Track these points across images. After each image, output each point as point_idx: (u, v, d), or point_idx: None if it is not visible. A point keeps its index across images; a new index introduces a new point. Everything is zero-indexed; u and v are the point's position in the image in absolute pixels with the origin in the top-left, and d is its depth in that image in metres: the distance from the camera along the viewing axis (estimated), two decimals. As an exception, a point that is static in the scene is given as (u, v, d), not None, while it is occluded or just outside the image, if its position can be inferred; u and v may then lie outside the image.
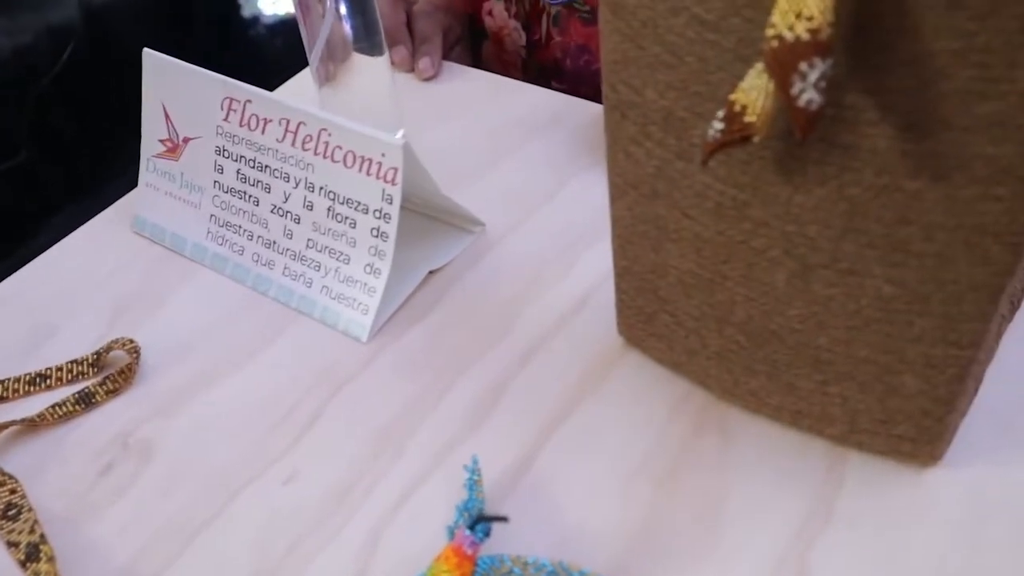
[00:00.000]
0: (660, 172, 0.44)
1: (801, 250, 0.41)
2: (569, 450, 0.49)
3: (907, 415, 0.44)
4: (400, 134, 0.70)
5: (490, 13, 0.90)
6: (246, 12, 1.64)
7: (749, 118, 0.36)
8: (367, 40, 0.64)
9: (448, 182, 0.67)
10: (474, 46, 0.87)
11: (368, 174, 0.54)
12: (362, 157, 0.54)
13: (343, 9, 0.61)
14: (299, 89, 0.77)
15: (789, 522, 0.46)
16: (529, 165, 0.68)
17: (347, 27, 0.62)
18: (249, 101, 0.58)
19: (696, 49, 0.40)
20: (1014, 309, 0.50)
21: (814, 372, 0.45)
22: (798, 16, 0.33)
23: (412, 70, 0.77)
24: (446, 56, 0.80)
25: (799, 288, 0.43)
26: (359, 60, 0.65)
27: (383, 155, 0.54)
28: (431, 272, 0.60)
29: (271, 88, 0.77)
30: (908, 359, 0.42)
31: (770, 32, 0.34)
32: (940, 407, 0.43)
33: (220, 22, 1.56)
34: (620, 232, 0.49)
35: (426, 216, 0.63)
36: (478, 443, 0.50)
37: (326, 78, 0.65)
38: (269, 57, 1.59)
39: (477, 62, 0.94)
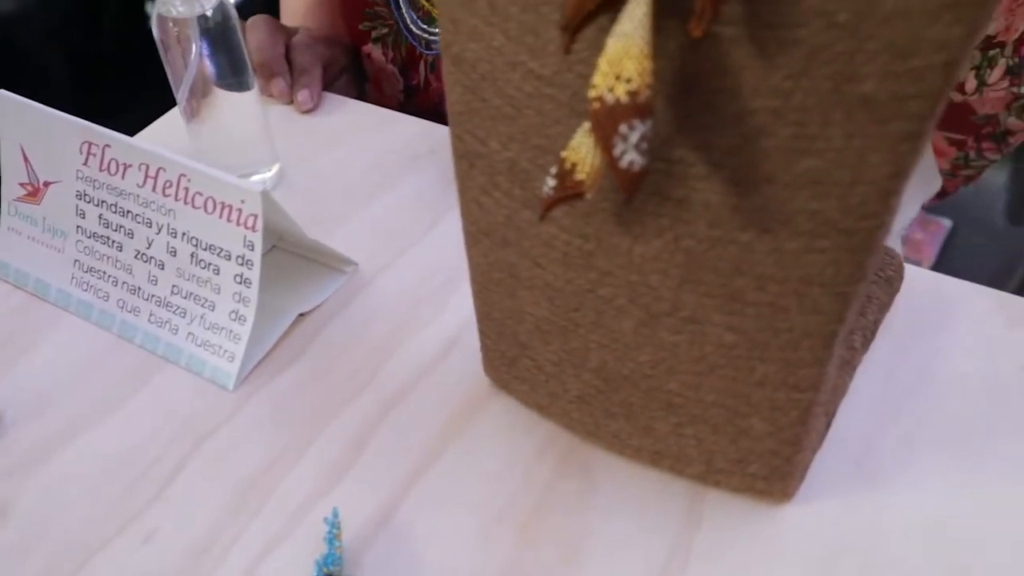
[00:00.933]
0: (509, 221, 0.44)
1: (645, 299, 0.42)
2: (433, 497, 0.49)
3: (758, 455, 0.45)
4: (275, 169, 0.69)
5: (369, 56, 0.90)
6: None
7: (579, 176, 0.36)
8: (234, 77, 0.63)
9: (323, 217, 0.67)
10: (360, 82, 0.87)
11: (229, 220, 0.54)
12: (222, 203, 0.54)
13: (205, 48, 0.60)
14: (175, 122, 0.76)
15: (651, 561, 0.46)
16: (405, 200, 0.67)
17: (209, 65, 0.61)
18: (108, 146, 0.56)
19: (534, 103, 0.40)
20: (867, 343, 0.52)
21: (668, 415, 0.46)
22: (618, 78, 0.33)
23: (292, 102, 0.76)
24: (329, 88, 0.80)
25: (646, 335, 0.43)
26: (225, 96, 0.64)
27: (242, 201, 0.53)
28: (302, 314, 0.59)
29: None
30: (753, 402, 0.43)
31: (592, 93, 0.34)
32: (787, 447, 0.44)
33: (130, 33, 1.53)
34: (477, 278, 0.49)
35: (299, 256, 0.62)
36: (342, 494, 0.50)
37: (192, 115, 0.64)
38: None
39: (363, 95, 0.93)
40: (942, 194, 0.91)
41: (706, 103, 0.36)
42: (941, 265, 1.27)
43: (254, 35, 0.74)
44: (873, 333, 0.53)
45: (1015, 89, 0.70)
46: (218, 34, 0.60)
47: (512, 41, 0.39)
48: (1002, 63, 0.68)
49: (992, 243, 1.30)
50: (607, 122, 0.34)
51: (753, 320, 0.40)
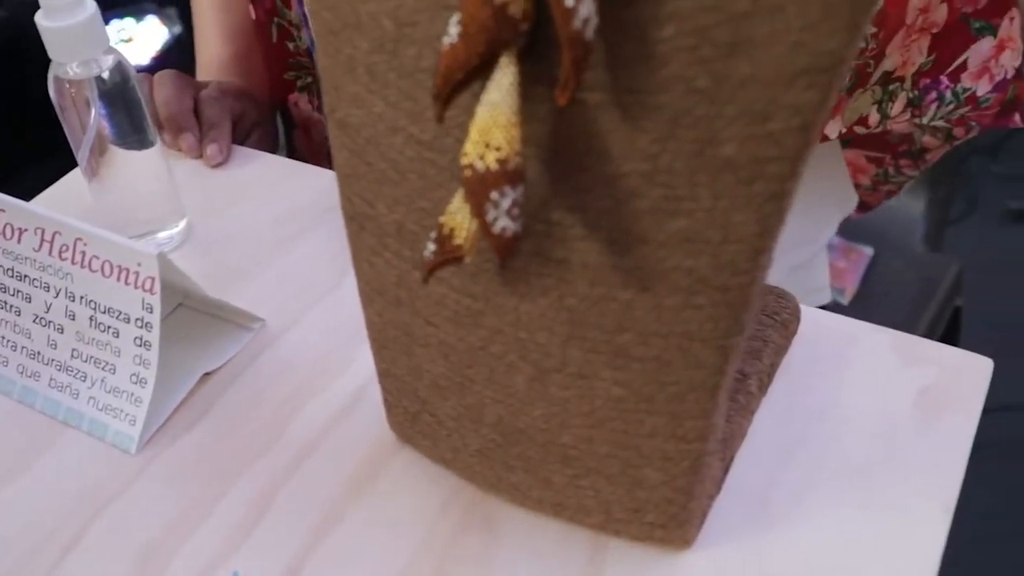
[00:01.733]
0: (401, 281, 0.44)
1: (534, 356, 0.42)
2: (338, 556, 0.49)
3: (654, 504, 0.46)
4: (183, 224, 0.69)
5: (296, 104, 0.90)
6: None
7: (457, 240, 0.37)
8: (134, 134, 0.63)
9: (232, 272, 0.66)
10: (287, 132, 0.87)
11: (127, 283, 0.53)
12: (119, 266, 0.53)
13: (102, 108, 0.60)
14: (79, 181, 0.75)
15: (556, 614, 0.46)
16: (314, 253, 0.67)
17: (107, 125, 0.61)
18: (2, 211, 0.56)
19: (416, 167, 0.40)
20: (764, 387, 0.52)
21: (565, 467, 0.46)
22: (487, 146, 0.34)
23: (201, 156, 0.76)
24: (242, 142, 0.79)
25: (538, 391, 0.43)
26: (126, 155, 0.63)
27: (139, 264, 0.52)
28: (207, 373, 0.59)
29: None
30: (645, 453, 0.43)
31: (464, 161, 0.34)
32: (682, 496, 0.45)
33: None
34: (375, 336, 0.49)
35: (205, 314, 0.62)
36: (245, 556, 0.49)
37: (93, 175, 0.64)
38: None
39: (290, 148, 0.93)
40: (864, 208, 0.93)
41: (579, 166, 0.36)
42: (864, 292, 1.29)
43: (161, 90, 0.74)
44: (770, 377, 0.53)
45: (916, 120, 0.72)
46: (116, 94, 0.60)
47: (392, 107, 0.39)
48: (903, 96, 0.70)
49: (912, 269, 1.33)
50: (479, 190, 0.34)
51: (639, 374, 0.40)
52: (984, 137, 0.75)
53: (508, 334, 0.42)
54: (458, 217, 0.37)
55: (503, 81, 0.34)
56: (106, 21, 1.85)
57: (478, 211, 0.35)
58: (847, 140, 0.80)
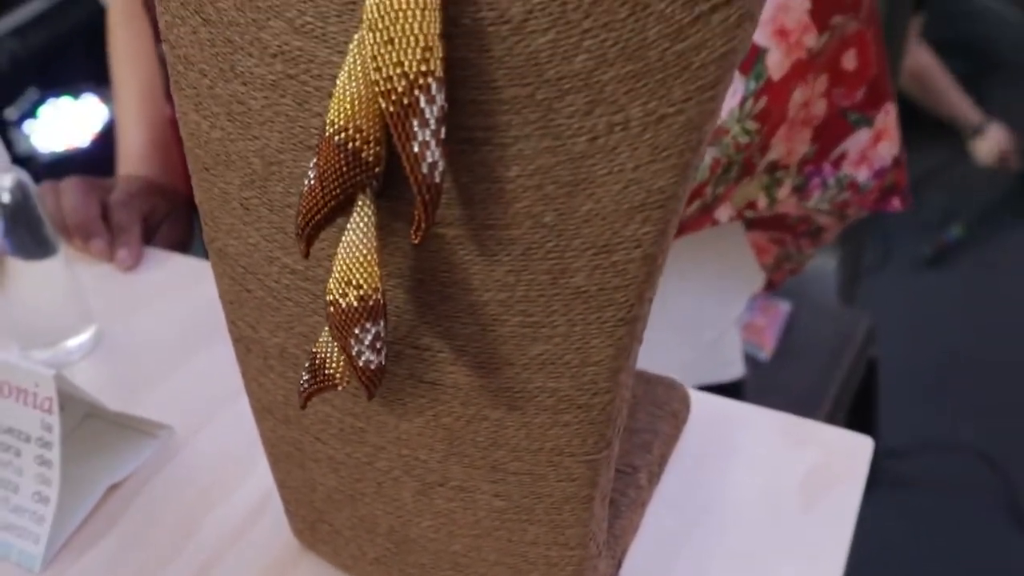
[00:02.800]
0: (288, 400, 0.45)
1: (418, 471, 0.43)
2: (241, 671, 0.49)
3: (547, 606, 0.47)
4: (91, 331, 0.69)
5: None
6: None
7: (329, 370, 0.38)
8: (36, 246, 0.63)
9: (141, 378, 0.67)
10: (184, 225, 0.87)
11: (26, 404, 0.54)
12: (17, 388, 0.54)
13: (2, 226, 0.61)
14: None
15: None
16: (220, 357, 0.67)
17: (6, 242, 0.61)
18: (-102, 335, 0.56)
19: (292, 295, 0.42)
20: (654, 478, 0.54)
21: (457, 574, 0.47)
22: (348, 284, 0.35)
23: (112, 260, 0.77)
24: (152, 236, 0.80)
25: (424, 503, 0.44)
26: (27, 266, 0.64)
27: (37, 385, 0.53)
28: (113, 486, 0.59)
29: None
30: (531, 560, 0.44)
31: (328, 298, 0.36)
32: (571, 598, 0.46)
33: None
34: (269, 450, 0.50)
35: (111, 423, 0.62)
36: (148, 675, 0.49)
37: (-5, 285, 0.64)
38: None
39: (189, 238, 0.93)
40: (770, 286, 0.96)
41: (443, 295, 0.38)
42: (783, 347, 1.32)
43: (68, 198, 0.75)
44: (661, 468, 0.55)
45: (803, 204, 0.75)
46: (17, 211, 0.61)
47: (266, 239, 0.41)
48: (788, 182, 0.73)
49: (828, 323, 1.36)
50: (343, 326, 0.36)
51: (516, 487, 0.42)
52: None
53: (391, 451, 0.43)
54: (328, 348, 0.38)
55: (360, 222, 0.35)
56: (43, 100, 1.83)
57: (343, 345, 0.36)
58: (746, 223, 0.83)
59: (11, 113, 1.81)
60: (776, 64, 0.66)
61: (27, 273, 0.65)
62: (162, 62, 0.86)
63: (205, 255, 0.80)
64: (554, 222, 0.35)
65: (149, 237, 0.80)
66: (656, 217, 0.34)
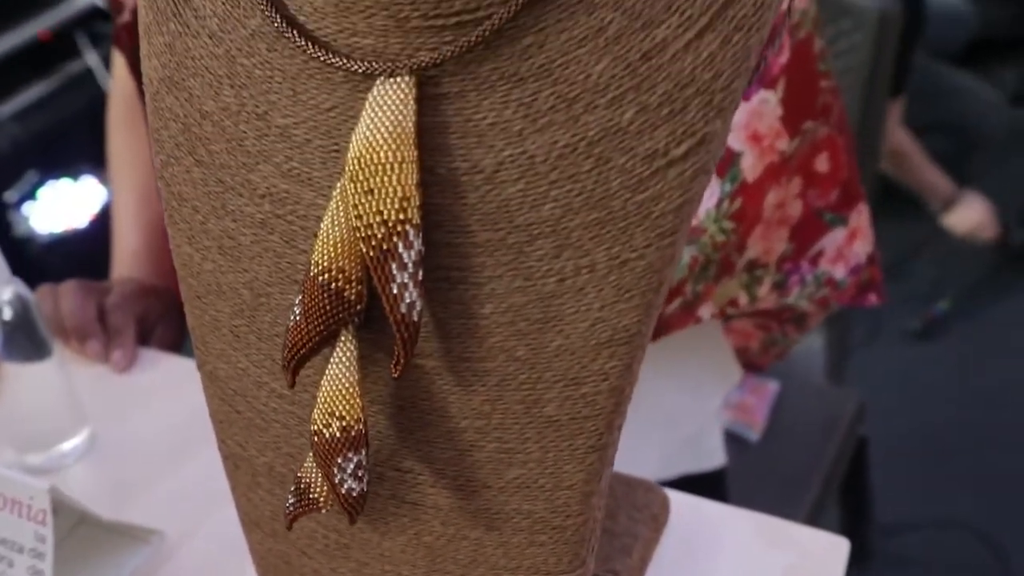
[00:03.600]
0: (275, 516, 0.47)
1: (401, 586, 0.45)
2: None
3: None
4: (85, 434, 0.70)
5: None
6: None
7: (314, 495, 0.40)
8: (32, 350, 0.65)
9: (134, 481, 0.68)
10: (179, 326, 0.89)
11: (20, 516, 0.55)
12: (12, 499, 0.55)
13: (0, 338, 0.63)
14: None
15: None
16: (214, 460, 0.69)
17: (3, 350, 0.63)
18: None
19: (280, 417, 0.43)
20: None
21: None
22: (332, 415, 0.37)
23: (107, 361, 0.78)
24: (147, 338, 0.82)
25: (409, 616, 0.46)
26: (23, 369, 0.66)
27: (31, 498, 0.54)
28: (105, 591, 0.60)
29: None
30: (512, 671, 0.46)
31: (312, 428, 0.38)
32: None
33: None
34: (257, 562, 0.51)
35: (104, 530, 0.63)
36: None
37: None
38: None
39: (183, 339, 0.95)
40: (757, 369, 0.98)
41: (422, 421, 0.40)
42: (773, 427, 1.33)
43: (66, 301, 0.77)
44: (642, 571, 0.56)
45: (783, 300, 0.77)
46: (16, 323, 0.63)
47: (255, 365, 0.43)
48: (768, 279, 0.75)
49: (816, 402, 1.37)
50: (326, 455, 0.37)
51: (496, 603, 0.43)
52: (883, 260, 0.82)
53: (375, 567, 0.45)
54: (313, 473, 0.40)
55: (343, 356, 0.37)
56: (43, 182, 1.85)
57: (326, 473, 0.38)
58: (730, 316, 0.85)
59: (10, 196, 1.84)
60: (750, 167, 0.69)
61: (22, 376, 0.67)
62: None
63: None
64: (526, 356, 0.37)
65: (144, 339, 0.81)
66: (622, 352, 0.36)
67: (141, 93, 0.87)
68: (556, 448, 0.38)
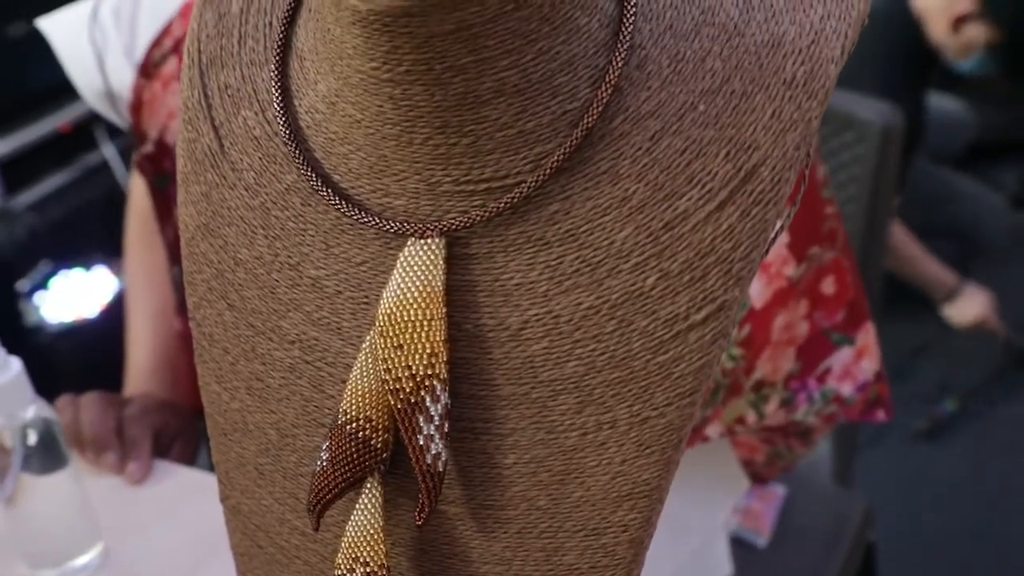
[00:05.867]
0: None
1: None
2: None
3: None
4: (98, 548, 0.71)
5: None
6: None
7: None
8: (49, 461, 0.66)
9: (146, 595, 0.68)
10: (195, 445, 0.90)
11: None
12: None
13: (20, 456, 0.63)
14: None
15: None
16: (226, 573, 0.69)
17: (21, 466, 0.64)
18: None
19: (302, 554, 0.44)
20: None
21: None
22: (356, 560, 0.38)
23: (122, 473, 0.79)
24: (163, 454, 0.83)
25: None
26: (38, 481, 0.66)
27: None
28: None
29: None
30: None
31: (336, 573, 0.39)
32: None
33: None
34: None
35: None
36: None
37: (5, 503, 0.66)
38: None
39: (197, 459, 0.96)
40: (761, 481, 0.99)
41: (443, 565, 0.40)
42: (780, 532, 1.32)
43: (87, 412, 0.78)
44: None
45: (791, 416, 0.78)
46: (39, 445, 0.64)
47: (278, 502, 0.44)
48: (775, 397, 0.76)
49: (823, 507, 1.37)
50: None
51: None
52: (886, 360, 0.83)
53: None
54: (337, 618, 0.40)
55: (368, 503, 0.38)
56: (54, 272, 1.86)
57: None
58: None
59: (23, 285, 1.86)
60: (757, 294, 0.71)
61: (38, 487, 0.67)
62: (175, 282, 0.90)
63: (210, 467, 0.83)
64: (547, 506, 0.38)
65: (161, 453, 0.82)
66: (642, 505, 0.37)
67: (158, 218, 0.89)
68: (576, 596, 0.39)
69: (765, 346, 0.72)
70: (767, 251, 0.35)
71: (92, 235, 1.92)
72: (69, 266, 1.88)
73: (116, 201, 1.04)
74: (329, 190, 0.38)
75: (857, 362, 0.75)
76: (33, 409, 0.64)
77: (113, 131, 1.94)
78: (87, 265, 1.90)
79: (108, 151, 1.95)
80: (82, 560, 0.70)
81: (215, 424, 0.45)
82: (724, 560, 0.95)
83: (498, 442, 0.38)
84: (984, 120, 2.30)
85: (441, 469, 0.36)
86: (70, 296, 1.88)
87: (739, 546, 1.23)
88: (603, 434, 0.36)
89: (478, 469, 0.38)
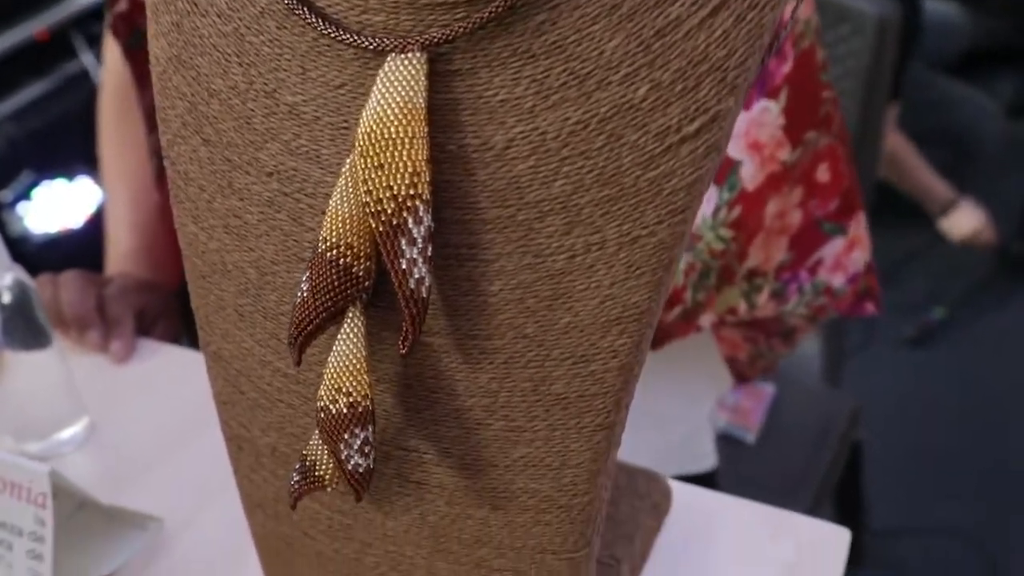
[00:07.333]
0: (278, 497, 0.47)
1: (404, 567, 0.45)
2: None
3: None
4: (83, 423, 0.70)
5: None
6: None
7: (319, 472, 0.40)
8: (31, 338, 0.65)
9: (133, 469, 0.68)
10: (178, 326, 0.89)
11: (19, 499, 0.55)
12: (11, 483, 0.55)
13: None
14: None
15: None
16: (211, 447, 0.69)
17: (2, 336, 0.63)
18: None
19: (284, 396, 0.43)
20: (636, 570, 0.55)
21: (443, 669, 0.48)
22: (338, 391, 0.37)
23: (106, 352, 0.78)
24: (147, 333, 0.82)
25: (411, 599, 0.46)
26: (22, 358, 0.65)
27: (31, 481, 0.54)
28: (103, 577, 0.60)
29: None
30: (515, 655, 0.45)
31: (318, 404, 0.38)
32: None
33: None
34: (259, 545, 0.51)
35: (103, 515, 0.63)
36: None
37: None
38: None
39: (181, 339, 0.95)
40: (742, 379, 0.98)
41: (428, 400, 0.40)
42: (768, 429, 1.33)
43: (66, 291, 0.76)
44: (643, 559, 0.56)
45: (781, 308, 0.77)
46: (15, 309, 0.63)
47: (259, 344, 0.43)
48: (767, 288, 0.75)
49: (813, 405, 1.38)
50: (332, 431, 0.37)
51: (500, 584, 0.43)
52: (878, 267, 0.82)
53: (378, 547, 0.45)
54: (319, 451, 0.40)
55: (351, 332, 0.37)
56: (37, 183, 1.84)
57: (332, 449, 0.38)
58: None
59: (5, 195, 1.83)
60: (750, 176, 0.69)
61: (21, 364, 0.67)
62: (152, 150, 0.88)
63: (193, 349, 0.82)
64: (535, 333, 0.37)
65: (143, 333, 0.81)
66: (632, 330, 0.36)
67: (136, 81, 0.87)
68: (563, 426, 0.38)
69: (757, 232, 0.70)
70: (762, 60, 0.33)
71: (74, 145, 1.89)
72: (52, 177, 1.85)
73: (96, 111, 1.01)
74: (305, 8, 0.36)
75: (848, 253, 0.74)
76: (10, 276, 0.62)
77: (92, 39, 1.90)
78: (70, 175, 1.88)
79: (88, 60, 1.91)
80: (67, 434, 0.69)
81: (193, 267, 0.44)
82: (709, 452, 0.95)
83: (483, 268, 0.37)
84: (980, 26, 2.27)
85: (425, 295, 0.35)
86: (54, 207, 1.86)
87: (728, 442, 1.24)
88: (592, 256, 0.35)
89: (463, 298, 0.37)
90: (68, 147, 1.87)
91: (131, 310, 0.79)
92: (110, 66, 0.93)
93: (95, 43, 1.87)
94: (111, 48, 0.91)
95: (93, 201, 1.84)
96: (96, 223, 1.82)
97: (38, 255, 1.72)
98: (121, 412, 0.73)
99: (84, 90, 1.89)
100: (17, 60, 1.86)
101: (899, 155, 1.86)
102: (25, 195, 1.84)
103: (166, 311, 0.85)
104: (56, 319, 0.76)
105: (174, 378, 0.76)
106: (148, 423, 0.72)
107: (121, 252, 0.90)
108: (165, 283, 0.88)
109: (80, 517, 0.62)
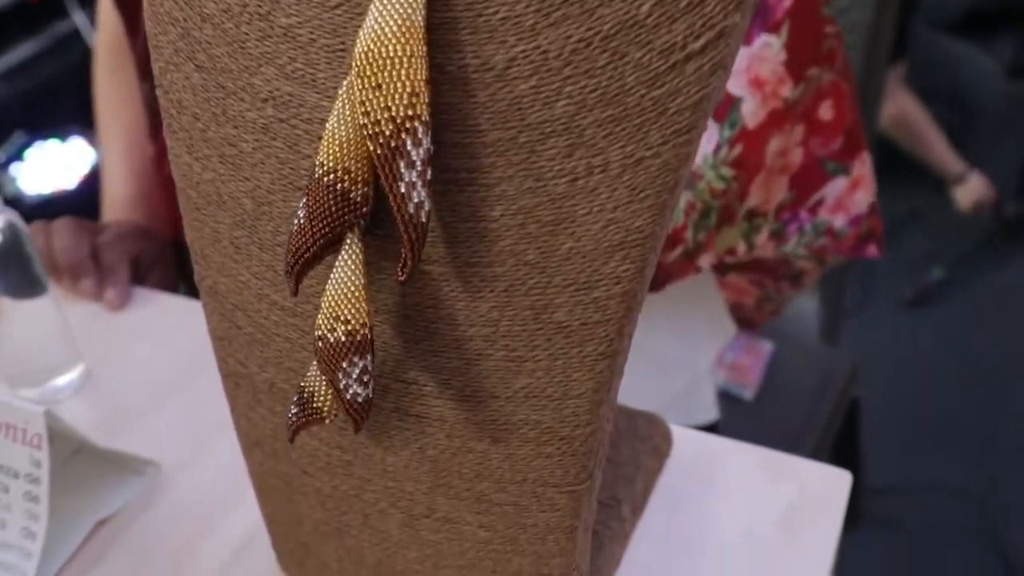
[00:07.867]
0: (276, 434, 0.46)
1: (403, 503, 0.44)
2: None
3: (530, 637, 0.47)
4: (79, 369, 0.70)
5: None
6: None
7: (318, 404, 0.39)
8: (25, 286, 0.64)
9: (129, 415, 0.67)
10: (173, 273, 0.88)
11: (15, 440, 0.54)
12: (6, 424, 0.54)
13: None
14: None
15: None
16: (208, 392, 0.68)
17: (-2, 283, 0.63)
18: None
19: (281, 331, 0.43)
20: (637, 511, 0.55)
21: (443, 607, 0.48)
22: (337, 319, 0.36)
23: (100, 299, 0.77)
24: (142, 281, 0.81)
25: (411, 535, 0.45)
26: (17, 305, 0.65)
27: (26, 422, 0.54)
28: (101, 521, 0.59)
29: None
30: (515, 591, 0.45)
31: (316, 333, 0.37)
32: (554, 630, 0.47)
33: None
34: (257, 484, 0.50)
35: (99, 459, 0.63)
36: None
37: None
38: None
39: (177, 287, 0.94)
40: (751, 326, 0.98)
41: (428, 330, 0.39)
42: (767, 386, 1.33)
43: (59, 238, 0.76)
44: (644, 500, 0.56)
45: (780, 248, 0.76)
46: (7, 252, 0.62)
47: (256, 277, 0.42)
48: (766, 228, 0.75)
49: (811, 362, 1.37)
50: (330, 360, 0.37)
51: (500, 518, 0.43)
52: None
53: (377, 483, 0.44)
54: (316, 382, 0.39)
55: (348, 259, 0.36)
56: (31, 143, 1.83)
57: (331, 379, 0.37)
58: (727, 268, 0.84)
59: (-2, 156, 1.82)
60: (751, 113, 0.68)
61: (16, 312, 0.66)
62: (146, 101, 0.87)
63: (189, 298, 0.81)
64: (536, 260, 0.36)
65: (139, 280, 0.81)
66: (635, 255, 0.35)
67: (127, 27, 0.86)
68: (565, 356, 0.37)
69: (758, 170, 0.70)
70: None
71: (67, 106, 1.88)
72: (44, 137, 1.84)
73: (90, 71, 1.00)
74: (300, -75, 0.35)
75: (851, 193, 0.73)
76: (2, 219, 0.62)
77: (83, -1, 1.88)
78: (63, 136, 1.86)
79: (79, 19, 1.89)
80: (63, 380, 0.69)
81: (187, 199, 0.43)
82: (711, 404, 0.95)
83: (484, 193, 0.36)
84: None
85: (424, 219, 0.35)
86: (47, 167, 1.84)
87: (726, 399, 1.24)
88: (594, 179, 0.34)
89: (463, 224, 0.37)
90: (61, 107, 1.86)
91: (126, 257, 0.78)
92: (103, 20, 0.92)
93: (87, 2, 1.85)
94: (103, 1, 0.90)
95: (87, 162, 1.83)
96: (90, 184, 1.80)
97: (31, 215, 1.71)
98: (117, 359, 0.72)
99: (76, 50, 1.87)
100: (9, 20, 1.84)
101: (914, 123, 1.86)
102: (18, 156, 1.82)
103: (162, 259, 0.84)
104: (50, 267, 0.75)
105: (170, 325, 0.75)
106: (144, 370, 0.71)
107: (116, 199, 0.89)
108: (161, 231, 0.87)
109: (77, 461, 0.62)
